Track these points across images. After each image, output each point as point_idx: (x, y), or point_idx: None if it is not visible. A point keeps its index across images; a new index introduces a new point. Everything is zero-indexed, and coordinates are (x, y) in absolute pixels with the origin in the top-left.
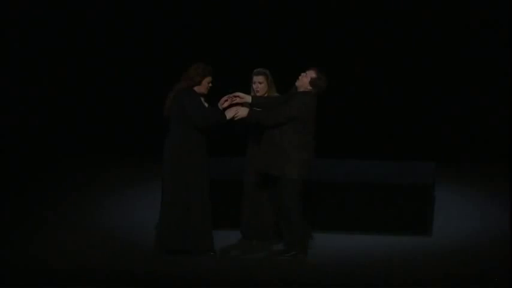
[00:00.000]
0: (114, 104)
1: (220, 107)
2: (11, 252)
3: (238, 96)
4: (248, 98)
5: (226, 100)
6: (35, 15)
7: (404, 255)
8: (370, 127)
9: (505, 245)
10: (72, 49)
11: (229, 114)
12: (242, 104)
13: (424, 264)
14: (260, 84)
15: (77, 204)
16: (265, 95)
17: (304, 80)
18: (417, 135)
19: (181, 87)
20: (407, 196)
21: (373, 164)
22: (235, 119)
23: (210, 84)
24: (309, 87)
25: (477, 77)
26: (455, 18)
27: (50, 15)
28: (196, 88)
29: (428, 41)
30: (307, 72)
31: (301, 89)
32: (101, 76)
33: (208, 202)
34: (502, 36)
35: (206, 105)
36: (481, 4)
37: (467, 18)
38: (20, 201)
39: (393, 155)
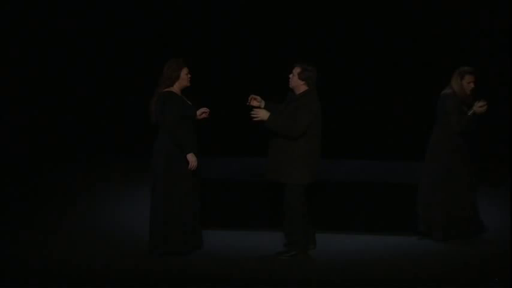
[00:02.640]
0: (114, 103)
1: (198, 116)
2: (11, 253)
3: (256, 99)
4: (262, 103)
5: (204, 112)
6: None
7: (404, 255)
8: (370, 127)
9: (505, 245)
10: (73, 48)
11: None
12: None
13: (424, 264)
14: (474, 83)
15: (76, 204)
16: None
17: (294, 79)
18: (417, 135)
19: (162, 91)
20: (407, 196)
21: (373, 164)
22: (254, 120)
23: (189, 75)
24: (302, 83)
25: (477, 77)
26: (453, 16)
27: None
28: (177, 84)
29: (429, 40)
30: (293, 70)
31: (299, 90)
32: (100, 74)
33: (197, 202)
34: (502, 35)
35: (189, 103)
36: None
37: (467, 16)
38: (20, 201)
39: (393, 155)
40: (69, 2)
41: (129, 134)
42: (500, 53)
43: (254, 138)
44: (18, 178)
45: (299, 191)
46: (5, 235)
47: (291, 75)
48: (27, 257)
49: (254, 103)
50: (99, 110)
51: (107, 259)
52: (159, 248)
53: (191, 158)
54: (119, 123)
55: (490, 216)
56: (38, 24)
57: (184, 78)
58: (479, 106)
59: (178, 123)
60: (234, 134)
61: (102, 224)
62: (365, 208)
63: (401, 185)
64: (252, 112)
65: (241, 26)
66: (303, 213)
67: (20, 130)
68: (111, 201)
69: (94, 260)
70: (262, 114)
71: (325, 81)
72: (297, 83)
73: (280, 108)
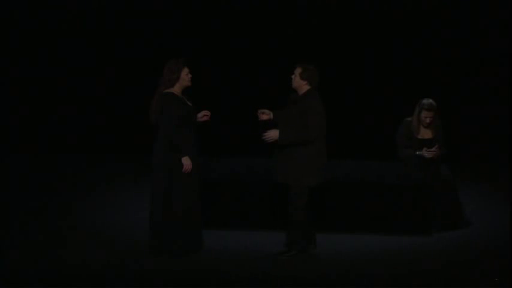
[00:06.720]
0: (114, 102)
1: (199, 119)
2: (11, 253)
3: (264, 113)
4: (271, 114)
5: (205, 115)
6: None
7: (404, 255)
8: (370, 127)
9: (505, 245)
10: (73, 48)
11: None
12: (269, 122)
13: (424, 264)
14: (430, 118)
15: (76, 204)
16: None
17: (296, 80)
18: None
19: (162, 92)
20: (407, 196)
21: (373, 164)
22: (268, 142)
23: (190, 75)
24: (304, 83)
25: (477, 77)
26: (454, 15)
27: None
28: (177, 85)
29: (427, 39)
30: (294, 71)
31: (301, 90)
32: (101, 73)
33: (197, 202)
34: (502, 34)
35: (190, 104)
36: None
37: (468, 15)
38: (19, 201)
39: (393, 155)
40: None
41: (129, 133)
42: (499, 52)
43: (254, 138)
44: (18, 177)
45: (305, 193)
46: (5, 235)
47: (292, 76)
48: (27, 257)
49: (264, 117)
50: (99, 109)
51: (107, 259)
52: (159, 248)
53: (186, 161)
54: (119, 123)
55: (490, 216)
56: (43, 20)
57: (184, 78)
58: (428, 151)
59: (176, 125)
60: (234, 134)
61: (103, 224)
62: (365, 208)
63: (401, 185)
64: (264, 136)
65: (242, 25)
66: (306, 214)
67: (20, 128)
68: (111, 201)
69: (94, 260)
70: (273, 135)
71: (325, 82)
72: (299, 83)
73: (287, 114)
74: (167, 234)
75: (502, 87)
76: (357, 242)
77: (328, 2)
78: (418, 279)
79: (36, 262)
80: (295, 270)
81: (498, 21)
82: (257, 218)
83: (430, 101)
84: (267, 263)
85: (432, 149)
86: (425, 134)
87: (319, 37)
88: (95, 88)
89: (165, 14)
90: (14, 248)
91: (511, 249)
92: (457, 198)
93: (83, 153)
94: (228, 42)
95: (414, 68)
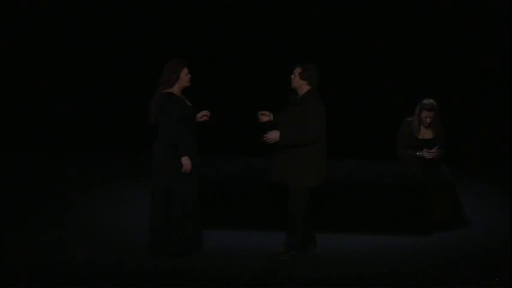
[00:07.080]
0: (113, 102)
1: (198, 119)
2: (11, 253)
3: (264, 114)
4: (271, 115)
5: (205, 115)
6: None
7: (404, 255)
8: (370, 127)
9: (505, 245)
10: (73, 48)
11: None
12: (269, 123)
13: (424, 264)
14: (431, 118)
15: (76, 204)
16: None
17: (296, 80)
18: None
19: (161, 92)
20: (407, 196)
21: (373, 164)
22: (268, 143)
23: (189, 75)
24: (304, 83)
25: (477, 76)
26: (454, 14)
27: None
28: (177, 85)
29: (428, 38)
30: (294, 71)
31: (301, 91)
32: (102, 71)
33: (197, 202)
34: (502, 34)
35: (189, 104)
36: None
37: (468, 15)
38: (19, 201)
39: (393, 155)
40: (71, 1)
41: (129, 133)
42: (500, 52)
43: (254, 138)
44: (17, 177)
45: (305, 193)
46: (5, 235)
47: (292, 76)
48: (27, 256)
49: (264, 119)
50: (99, 109)
51: (107, 259)
52: (159, 248)
53: (185, 161)
54: (119, 123)
55: (490, 216)
56: (44, 25)
57: (184, 78)
58: (428, 152)
59: (176, 126)
60: (234, 134)
61: (102, 224)
62: (365, 208)
63: (401, 185)
64: (264, 138)
65: (243, 25)
66: (306, 214)
67: (20, 126)
68: (111, 201)
69: (94, 260)
70: (273, 136)
71: (325, 82)
72: (299, 83)
73: (287, 115)
74: (167, 234)
75: (502, 87)
76: (357, 242)
77: (328, 2)
78: (418, 279)
79: (36, 262)
80: (295, 270)
81: (498, 20)
82: (257, 218)
83: (431, 100)
84: (267, 263)
85: (432, 150)
86: (426, 134)
87: (319, 37)
88: (95, 88)
89: (164, 13)
90: (14, 248)
91: (511, 249)
92: (457, 198)
93: (83, 153)
94: (228, 42)
95: (414, 68)
